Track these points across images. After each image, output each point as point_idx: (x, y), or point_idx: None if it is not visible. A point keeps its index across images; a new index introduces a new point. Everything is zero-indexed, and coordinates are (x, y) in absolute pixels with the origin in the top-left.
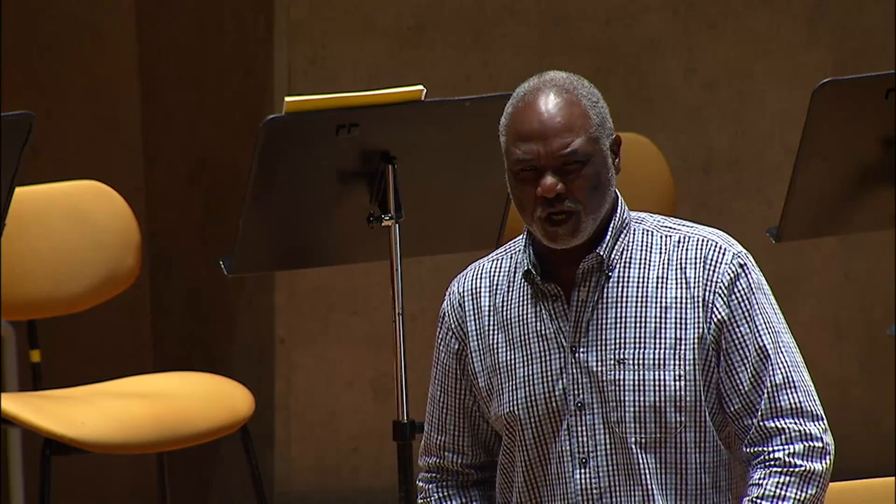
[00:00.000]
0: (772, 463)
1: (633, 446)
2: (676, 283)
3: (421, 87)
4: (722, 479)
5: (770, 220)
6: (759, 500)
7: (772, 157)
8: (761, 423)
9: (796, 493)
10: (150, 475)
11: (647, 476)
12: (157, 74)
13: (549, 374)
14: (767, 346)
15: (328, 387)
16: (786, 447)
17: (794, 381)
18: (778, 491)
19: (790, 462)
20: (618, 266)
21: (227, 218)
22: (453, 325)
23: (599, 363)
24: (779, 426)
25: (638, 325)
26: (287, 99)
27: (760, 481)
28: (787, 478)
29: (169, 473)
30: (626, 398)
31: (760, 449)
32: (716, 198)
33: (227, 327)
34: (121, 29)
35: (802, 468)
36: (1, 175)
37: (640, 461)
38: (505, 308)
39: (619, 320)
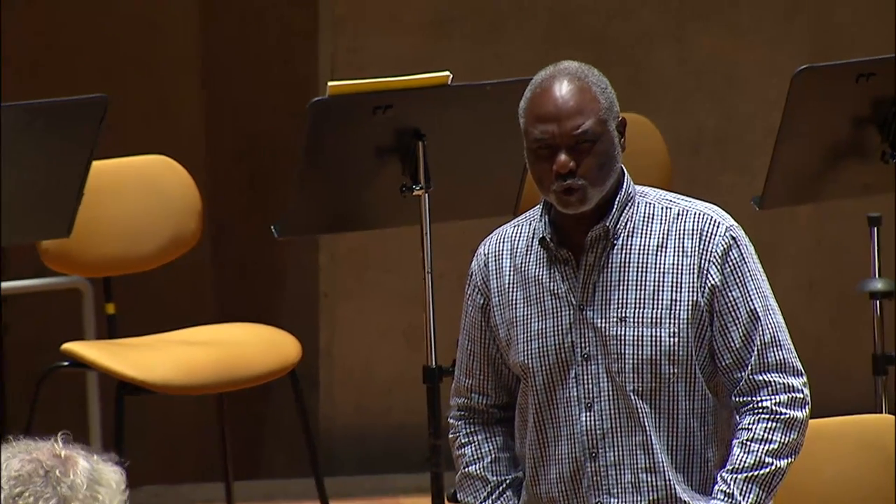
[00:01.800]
0: (760, 411)
1: (631, 394)
2: (674, 252)
3: (448, 72)
4: (709, 424)
5: (754, 192)
6: (748, 443)
7: (754, 136)
8: (750, 377)
9: (781, 437)
10: (211, 413)
11: (644, 420)
12: (214, 64)
13: (559, 328)
14: (757, 309)
15: (366, 336)
16: (772, 397)
17: (779, 341)
18: (766, 435)
19: (776, 410)
20: (622, 235)
21: (275, 189)
22: (479, 283)
23: (603, 320)
24: (766, 379)
25: (638, 287)
26: (330, 83)
27: (750, 426)
28: (774, 423)
29: (227, 412)
30: (626, 351)
31: (749, 399)
32: (705, 172)
33: (277, 284)
34: (184, 23)
35: (787, 416)
36: (80, 150)
37: (638, 407)
38: (523, 269)
39: (621, 283)
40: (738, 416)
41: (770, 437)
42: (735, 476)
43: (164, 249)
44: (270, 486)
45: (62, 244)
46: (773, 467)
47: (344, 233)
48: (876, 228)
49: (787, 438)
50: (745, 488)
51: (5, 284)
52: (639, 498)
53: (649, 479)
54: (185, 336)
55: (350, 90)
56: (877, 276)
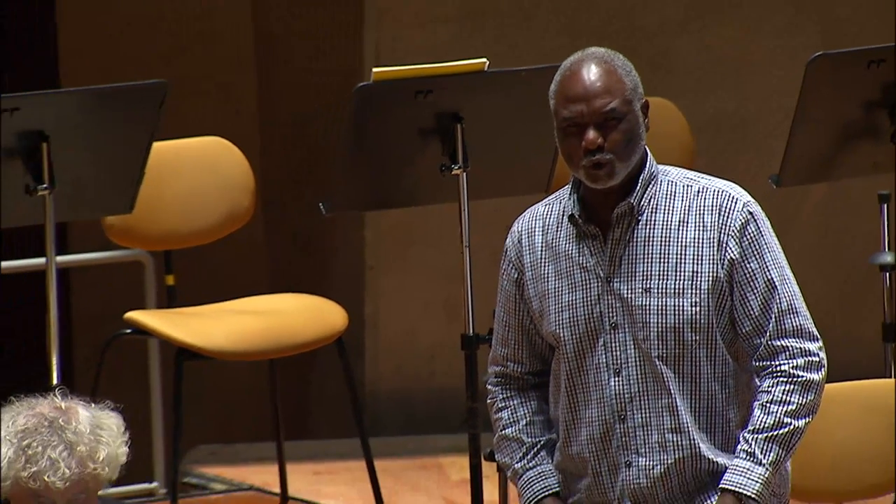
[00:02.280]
0: (778, 374)
1: (656, 360)
2: (695, 226)
3: (484, 59)
4: (729, 387)
5: (770, 171)
6: (768, 405)
7: (770, 119)
8: (769, 342)
9: (799, 399)
10: (263, 378)
11: (669, 384)
12: (267, 52)
13: (588, 299)
14: (774, 279)
15: (408, 307)
16: (790, 361)
17: (796, 308)
18: (784, 397)
19: (794, 373)
20: (646, 211)
21: (324, 168)
22: (513, 258)
23: (629, 291)
24: (784, 344)
25: (662, 260)
26: (374, 70)
27: (769, 389)
28: (792, 386)
29: (278, 377)
30: (651, 320)
31: (768, 363)
32: (725, 153)
33: (326, 257)
34: (238, 15)
35: (804, 378)
36: (141, 132)
37: (662, 372)
38: (554, 244)
39: (646, 256)
40: (757, 380)
41: (788, 398)
42: (756, 436)
43: (219, 224)
44: (318, 446)
45: (125, 220)
46: (792, 427)
47: (387, 209)
48: (885, 205)
49: (804, 400)
50: (765, 447)
51: (71, 257)
52: (665, 457)
53: (675, 438)
54: (239, 306)
55: (393, 76)
56: (886, 249)
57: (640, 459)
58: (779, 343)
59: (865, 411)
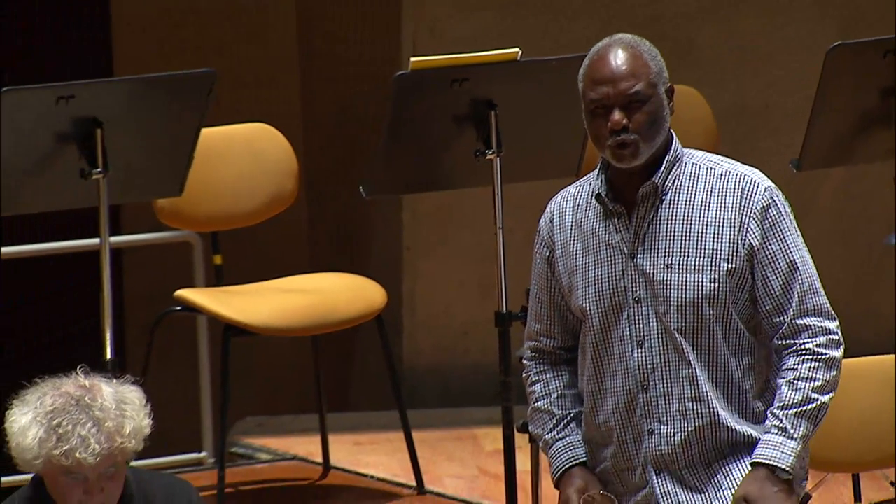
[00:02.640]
0: (803, 352)
1: (675, 332)
2: (717, 207)
3: (517, 49)
4: (744, 360)
5: (791, 155)
6: (795, 381)
7: (791, 105)
8: (792, 321)
9: (823, 375)
10: (306, 353)
11: (689, 355)
12: (310, 42)
13: (613, 274)
14: (795, 260)
15: (444, 285)
16: (813, 340)
17: (816, 289)
18: (810, 374)
19: (817, 351)
20: (670, 191)
21: (364, 153)
22: (545, 237)
23: (652, 267)
24: (806, 323)
25: (683, 238)
26: (412, 59)
27: (795, 366)
28: (816, 363)
29: (320, 352)
30: (672, 295)
31: (792, 342)
32: (747, 138)
33: (366, 238)
34: (282, 6)
35: (827, 356)
36: (191, 118)
37: (681, 344)
38: (583, 223)
39: (668, 234)
40: (781, 358)
41: (814, 375)
42: (786, 412)
43: (264, 207)
44: (359, 418)
45: (175, 202)
46: (819, 402)
47: (424, 193)
48: None
49: (828, 376)
50: (795, 422)
51: (124, 238)
52: (685, 425)
53: (695, 407)
54: (283, 284)
55: (430, 65)
56: None
57: (662, 427)
58: (801, 322)
59: (882, 385)
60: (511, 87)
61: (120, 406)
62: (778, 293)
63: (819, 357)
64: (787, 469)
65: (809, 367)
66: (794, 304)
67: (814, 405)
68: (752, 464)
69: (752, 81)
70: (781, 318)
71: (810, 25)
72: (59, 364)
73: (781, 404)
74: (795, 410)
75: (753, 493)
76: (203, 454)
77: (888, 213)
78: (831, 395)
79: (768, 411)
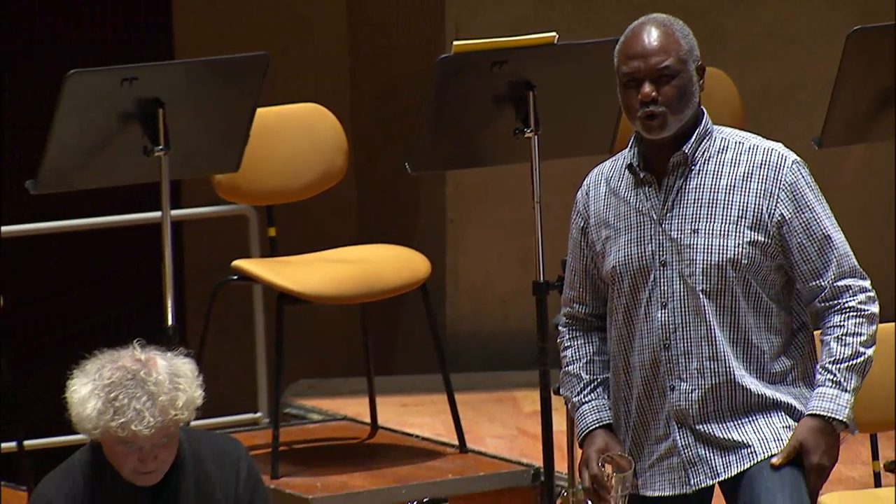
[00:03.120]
0: (847, 310)
1: (700, 294)
2: (744, 178)
3: (554, 33)
4: (763, 322)
5: (813, 133)
6: (844, 337)
7: (813, 87)
8: (833, 284)
9: (868, 330)
10: (355, 320)
11: (710, 315)
12: (358, 28)
13: (642, 239)
14: (827, 227)
15: (485, 256)
16: (854, 298)
17: (849, 252)
18: (857, 329)
19: (860, 308)
20: (699, 162)
21: (410, 131)
22: (581, 209)
23: (679, 232)
24: (846, 284)
25: (710, 205)
26: (455, 43)
27: (842, 323)
28: (861, 319)
29: (369, 319)
30: (697, 258)
31: (835, 302)
32: (772, 118)
33: (411, 211)
34: None
35: (868, 311)
36: (246, 99)
37: (705, 304)
38: (616, 192)
39: (696, 201)
40: (824, 318)
41: (860, 330)
42: (838, 366)
43: (316, 182)
44: (405, 381)
45: (232, 178)
46: (866, 356)
47: (466, 169)
48: None
49: (871, 330)
50: (847, 376)
51: (184, 212)
52: (703, 382)
53: (712, 366)
54: (333, 255)
55: (471, 48)
56: None
57: (682, 384)
58: (842, 283)
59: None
60: (548, 70)
61: (173, 379)
62: (815, 258)
63: (862, 313)
64: (844, 420)
65: (855, 323)
66: (832, 268)
67: (862, 358)
68: (809, 415)
69: (776, 64)
70: (821, 282)
71: (832, 12)
72: (121, 335)
73: (833, 359)
74: (847, 364)
75: (810, 441)
76: (258, 415)
77: None
78: (874, 347)
79: (819, 366)
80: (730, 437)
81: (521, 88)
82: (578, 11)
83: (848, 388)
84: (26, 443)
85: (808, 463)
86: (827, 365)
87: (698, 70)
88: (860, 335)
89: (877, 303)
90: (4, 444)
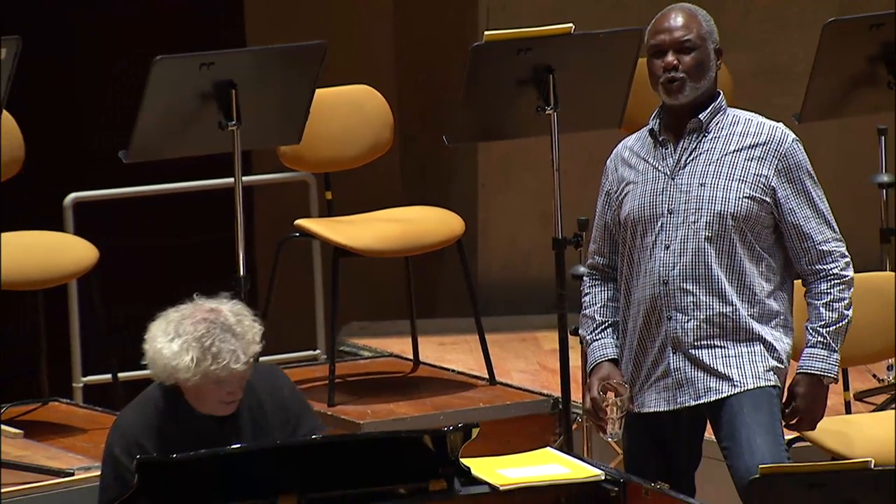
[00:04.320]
0: (831, 277)
1: (703, 239)
2: (749, 147)
3: (571, 24)
4: (755, 267)
5: (797, 111)
6: (831, 303)
7: (798, 68)
8: (818, 247)
9: (847, 294)
10: (401, 270)
11: (710, 258)
12: (402, 17)
13: (655, 191)
14: (816, 198)
15: (511, 216)
16: (836, 263)
17: (831, 220)
18: (839, 294)
19: (841, 274)
20: (712, 130)
21: (447, 109)
22: (609, 173)
23: (688, 185)
24: (829, 249)
25: (717, 164)
26: (486, 32)
27: (828, 290)
28: (843, 285)
29: (412, 270)
30: (703, 207)
31: (821, 267)
32: (762, 96)
33: (448, 176)
34: None
35: (848, 277)
36: (306, 81)
37: (705, 248)
38: (638, 154)
39: (705, 161)
40: (811, 283)
41: (843, 295)
42: (827, 329)
43: (366, 152)
44: (443, 323)
45: (295, 149)
46: (849, 318)
47: (495, 141)
48: (883, 137)
49: (849, 293)
50: (835, 337)
51: (254, 178)
52: (698, 313)
53: (706, 300)
54: (381, 215)
55: (500, 37)
56: (883, 171)
57: (678, 314)
58: (825, 247)
59: (870, 295)
60: (566, 55)
61: (241, 322)
62: (802, 222)
63: (843, 279)
64: (834, 377)
65: (839, 290)
66: (817, 232)
67: (846, 321)
68: (801, 373)
69: (765, 48)
70: (807, 244)
71: (817, 3)
72: (201, 285)
73: (822, 323)
74: (834, 327)
75: (807, 395)
76: (317, 352)
77: (873, 158)
78: (852, 307)
79: (809, 327)
80: (715, 366)
81: (543, 72)
82: (599, 5)
83: (836, 349)
84: (120, 375)
85: (802, 415)
86: (818, 328)
87: (716, 51)
88: (843, 300)
89: (852, 266)
90: (101, 376)
